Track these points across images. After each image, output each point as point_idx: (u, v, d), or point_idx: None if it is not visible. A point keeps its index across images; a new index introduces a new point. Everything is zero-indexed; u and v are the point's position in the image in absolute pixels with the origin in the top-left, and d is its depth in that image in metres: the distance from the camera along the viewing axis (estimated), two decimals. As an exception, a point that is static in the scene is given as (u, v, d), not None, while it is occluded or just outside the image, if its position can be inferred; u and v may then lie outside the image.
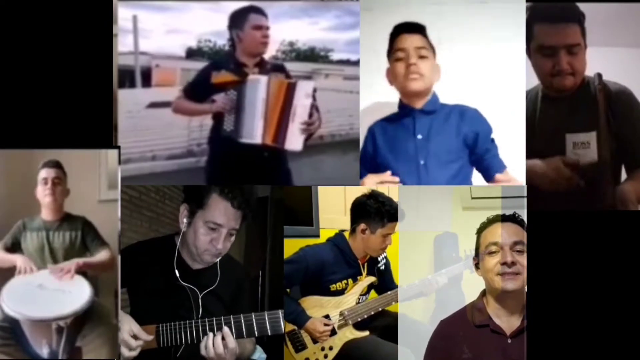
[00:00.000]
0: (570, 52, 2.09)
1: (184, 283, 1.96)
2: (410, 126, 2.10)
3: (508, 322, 1.93)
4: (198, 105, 2.18)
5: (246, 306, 2.01)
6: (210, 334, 1.85)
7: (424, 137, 2.08)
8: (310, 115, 2.11)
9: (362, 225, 2.12)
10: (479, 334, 1.93)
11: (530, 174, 2.12)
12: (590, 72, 2.12)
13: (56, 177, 2.04)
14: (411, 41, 2.06)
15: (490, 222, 1.98)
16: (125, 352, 1.88)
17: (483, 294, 1.98)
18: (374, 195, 2.11)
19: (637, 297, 2.11)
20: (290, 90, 2.11)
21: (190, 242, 1.97)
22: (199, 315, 1.94)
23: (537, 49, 2.11)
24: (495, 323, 1.93)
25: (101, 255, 2.04)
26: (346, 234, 2.17)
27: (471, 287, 2.00)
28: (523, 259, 1.93)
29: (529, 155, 2.13)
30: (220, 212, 1.93)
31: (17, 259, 2.02)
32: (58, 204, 2.06)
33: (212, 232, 1.93)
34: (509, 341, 1.91)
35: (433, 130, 2.08)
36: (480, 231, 1.99)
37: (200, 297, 1.96)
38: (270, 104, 2.11)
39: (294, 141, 2.11)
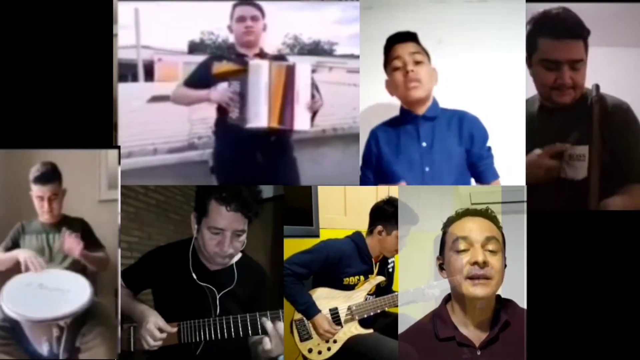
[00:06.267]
0: (573, 68, 2.10)
1: (202, 283, 2.02)
2: (414, 133, 2.16)
3: (476, 332, 1.75)
4: (196, 91, 2.19)
5: (265, 306, 2.04)
6: (269, 324, 1.90)
7: (428, 144, 2.15)
8: (313, 95, 2.19)
9: (379, 227, 2.20)
10: (444, 348, 1.74)
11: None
12: (590, 70, 2.12)
13: (52, 194, 2.05)
14: (405, 48, 2.12)
15: (458, 216, 1.80)
16: (150, 341, 1.93)
17: (447, 300, 1.82)
18: (390, 201, 2.19)
19: (637, 297, 2.13)
20: (289, 73, 2.16)
21: (201, 247, 2.03)
22: (217, 314, 2.00)
23: (539, 62, 2.12)
24: (462, 334, 1.74)
25: (98, 255, 2.06)
26: (363, 232, 2.24)
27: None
28: (496, 262, 1.73)
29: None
30: (220, 216, 1.97)
31: (19, 254, 2.03)
32: (57, 213, 2.07)
33: (217, 237, 1.98)
34: (479, 353, 1.74)
35: (436, 137, 2.15)
36: (446, 226, 1.82)
37: (218, 297, 2.02)
38: (272, 87, 2.15)
39: (302, 121, 2.18)
